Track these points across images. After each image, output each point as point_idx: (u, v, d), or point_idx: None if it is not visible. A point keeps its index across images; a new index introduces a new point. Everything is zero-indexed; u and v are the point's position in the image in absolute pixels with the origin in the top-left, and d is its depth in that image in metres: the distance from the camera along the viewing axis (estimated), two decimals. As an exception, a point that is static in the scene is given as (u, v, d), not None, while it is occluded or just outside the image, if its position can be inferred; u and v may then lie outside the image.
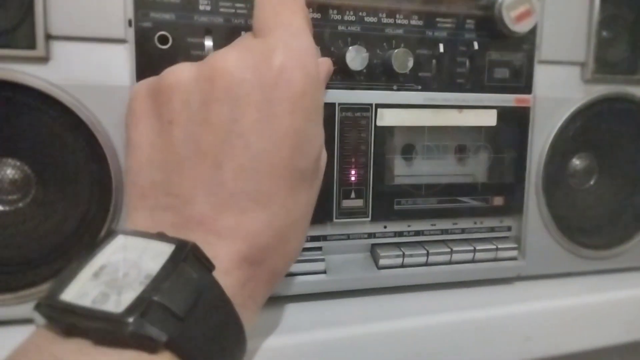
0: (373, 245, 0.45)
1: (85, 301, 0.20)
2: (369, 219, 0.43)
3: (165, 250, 0.22)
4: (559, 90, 0.47)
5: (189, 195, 0.25)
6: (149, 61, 0.36)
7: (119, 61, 0.36)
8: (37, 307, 0.21)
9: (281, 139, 0.26)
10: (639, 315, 0.49)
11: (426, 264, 0.45)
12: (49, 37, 0.35)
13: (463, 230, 0.47)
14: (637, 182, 0.51)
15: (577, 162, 0.50)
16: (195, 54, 0.37)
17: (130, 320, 0.19)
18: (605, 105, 0.48)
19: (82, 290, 0.21)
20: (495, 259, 0.47)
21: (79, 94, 0.35)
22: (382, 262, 0.43)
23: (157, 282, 0.21)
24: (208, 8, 0.37)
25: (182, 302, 0.21)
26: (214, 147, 0.25)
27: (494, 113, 0.45)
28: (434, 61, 0.43)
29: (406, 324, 0.41)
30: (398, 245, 0.45)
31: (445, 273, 0.45)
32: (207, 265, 0.23)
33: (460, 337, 0.42)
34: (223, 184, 0.25)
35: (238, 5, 0.38)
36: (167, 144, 0.26)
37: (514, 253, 0.47)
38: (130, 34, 0.36)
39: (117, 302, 0.20)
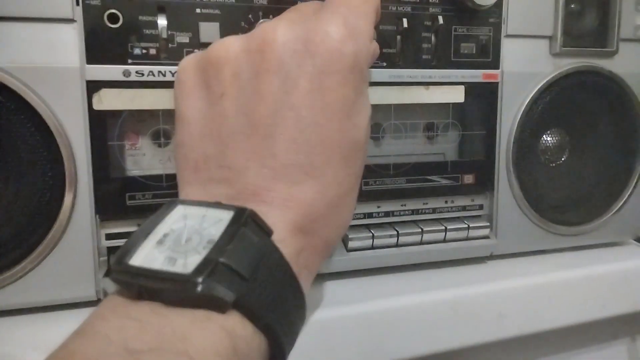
0: (342, 227, 0.44)
1: (154, 265, 0.21)
2: (337, 200, 0.42)
3: (224, 216, 0.23)
4: (527, 65, 0.46)
5: (242, 167, 0.26)
6: (99, 41, 0.35)
7: (68, 42, 0.35)
8: (108, 274, 0.22)
9: (332, 110, 0.26)
10: (613, 291, 0.49)
11: (397, 245, 0.44)
12: (-9, 17, 0.33)
13: (434, 210, 0.46)
14: (609, 157, 0.51)
15: (548, 138, 0.50)
16: (148, 33, 0.36)
17: (200, 279, 0.20)
18: (575, 79, 0.47)
19: (149, 256, 0.21)
20: (467, 238, 0.46)
21: (26, 77, 0.34)
22: (351, 244, 0.42)
23: (221, 246, 0.21)
24: (160, -16, 0.36)
25: (246, 264, 0.21)
26: (265, 119, 0.26)
27: (461, 89, 0.44)
28: (398, 37, 0.42)
29: (377, 306, 0.40)
30: (367, 226, 0.44)
31: (417, 254, 0.44)
32: (265, 231, 0.24)
33: (433, 318, 0.42)
34: (275, 155, 0.25)
35: (191, -19, 0.36)
36: (219, 117, 0.27)
37: (486, 232, 0.46)
38: (79, 12, 0.35)
39: (185, 265, 0.21)
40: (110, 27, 0.35)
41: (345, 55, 0.26)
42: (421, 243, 0.45)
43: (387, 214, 0.45)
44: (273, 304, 0.23)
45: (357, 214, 0.44)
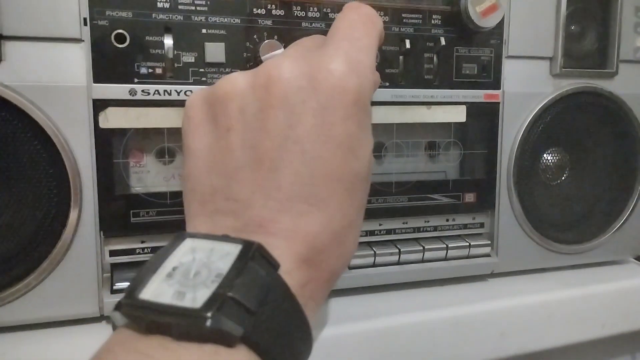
0: (344, 245, 0.44)
1: (163, 299, 0.21)
2: (339, 218, 0.42)
3: (232, 250, 0.23)
4: (528, 85, 0.46)
5: (248, 199, 0.26)
6: (106, 61, 0.35)
7: (75, 61, 0.35)
8: (118, 307, 0.22)
9: (336, 144, 0.26)
10: (613, 309, 0.49)
11: (398, 263, 0.44)
12: (1, 37, 0.34)
13: (435, 228, 0.46)
14: (609, 176, 0.51)
15: (548, 157, 0.50)
16: (154, 53, 0.36)
17: (209, 314, 0.20)
18: (575, 100, 0.48)
19: (158, 290, 0.22)
20: (468, 256, 0.46)
21: (34, 96, 0.34)
22: (353, 261, 0.43)
23: (229, 280, 0.22)
24: (167, 5, 0.36)
25: (254, 298, 0.22)
26: (270, 153, 0.26)
27: (463, 109, 0.44)
28: (400, 57, 0.42)
29: (379, 324, 0.41)
30: (369, 244, 0.44)
31: (418, 272, 0.45)
32: (272, 264, 0.24)
33: (434, 336, 0.42)
34: (280, 188, 0.26)
35: (198, 2, 0.37)
36: (225, 150, 0.27)
37: (487, 250, 0.47)
38: (86, 33, 0.35)
39: (194, 299, 0.21)
40: (117, 47, 0.35)
41: (348, 91, 0.26)
42: (422, 261, 0.45)
43: (388, 231, 0.45)
44: (280, 337, 0.23)
45: (358, 231, 0.44)
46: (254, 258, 0.23)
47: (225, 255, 0.23)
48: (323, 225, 0.26)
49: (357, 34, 0.29)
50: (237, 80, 0.28)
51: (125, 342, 0.21)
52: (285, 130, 0.26)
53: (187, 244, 0.24)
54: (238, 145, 0.27)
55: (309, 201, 0.26)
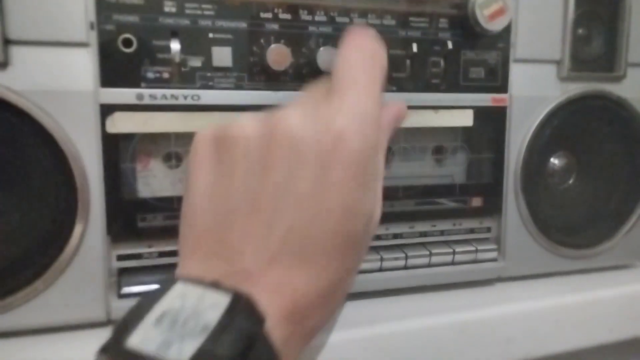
0: (350, 249, 0.44)
1: (150, 349, 0.21)
2: (346, 222, 0.42)
3: (221, 301, 0.23)
4: (536, 89, 0.46)
5: (240, 246, 0.26)
6: (113, 65, 0.35)
7: (82, 66, 0.35)
8: (104, 352, 0.22)
9: (333, 204, 0.26)
10: (621, 314, 0.49)
11: (405, 268, 0.44)
12: (7, 41, 0.34)
13: (442, 232, 0.46)
14: (616, 180, 0.51)
15: (555, 161, 0.50)
16: (161, 57, 0.36)
17: None
18: (582, 103, 0.47)
19: (145, 337, 0.21)
20: (475, 261, 0.46)
21: (41, 100, 0.34)
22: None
23: (217, 334, 0.21)
24: (173, 9, 0.36)
25: (239, 355, 0.21)
26: (267, 204, 0.26)
27: (470, 113, 0.44)
28: (407, 61, 0.42)
29: (385, 329, 0.40)
30: (376, 248, 0.44)
31: (425, 276, 0.44)
32: (259, 320, 0.24)
33: (441, 341, 0.42)
34: (273, 241, 0.26)
35: (205, 6, 0.37)
36: (225, 193, 0.27)
37: (493, 254, 0.46)
38: (93, 37, 0.35)
39: (180, 351, 0.21)
40: (124, 52, 0.35)
41: (351, 150, 0.26)
42: (429, 265, 0.45)
43: (395, 236, 0.45)
44: None
45: (365, 235, 0.44)
46: (242, 312, 0.22)
47: (214, 306, 0.22)
48: (310, 282, 0.26)
49: (361, 80, 0.28)
50: (247, 126, 0.28)
51: None
52: (285, 183, 0.26)
53: (178, 288, 0.23)
54: (237, 189, 0.27)
55: (300, 257, 0.26)
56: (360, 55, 0.29)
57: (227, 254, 0.26)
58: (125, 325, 0.22)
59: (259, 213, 0.26)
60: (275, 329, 0.24)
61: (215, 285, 0.24)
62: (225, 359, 0.21)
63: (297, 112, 0.27)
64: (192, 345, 0.21)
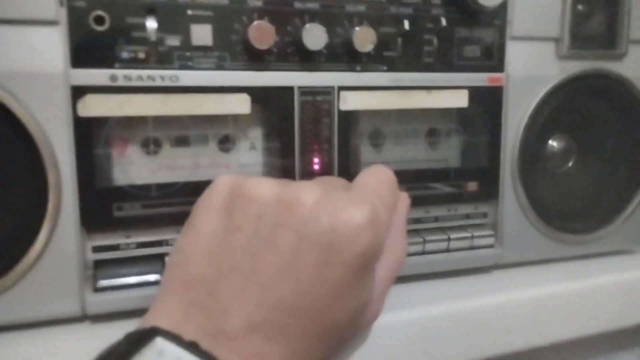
0: (341, 237, 0.42)
1: None
2: (336, 209, 0.40)
3: None
4: (533, 68, 0.44)
5: (228, 304, 0.26)
6: (85, 44, 0.33)
7: (51, 45, 0.33)
8: None
9: (327, 286, 0.26)
10: (622, 301, 0.47)
11: (398, 256, 0.42)
12: (-30, 20, 0.31)
13: (436, 219, 0.44)
14: (617, 163, 0.49)
15: (554, 143, 0.48)
16: (136, 36, 0.34)
17: None
18: (582, 83, 0.45)
19: None
20: (471, 248, 0.44)
21: (7, 82, 0.32)
22: (350, 255, 0.41)
23: None
24: (149, -15, 0.34)
25: None
26: (267, 269, 0.26)
27: (465, 93, 0.42)
28: (399, 39, 0.40)
29: (379, 319, 0.39)
30: (367, 236, 0.42)
31: (419, 264, 0.43)
32: None
33: (436, 331, 0.40)
34: (261, 306, 0.26)
35: (182, -19, 0.34)
36: (228, 246, 0.27)
37: (490, 240, 0.45)
38: (63, 14, 0.33)
39: None
40: (97, 30, 0.33)
41: (360, 245, 0.26)
42: (423, 253, 0.43)
43: (387, 223, 0.43)
44: None
45: (356, 223, 0.42)
46: None
47: None
48: (286, 357, 0.26)
49: (384, 191, 0.30)
50: (267, 188, 0.28)
51: None
52: (290, 254, 0.26)
53: (157, 345, 0.23)
54: (242, 247, 0.27)
55: (282, 330, 0.26)
56: (386, 177, 0.31)
57: (212, 309, 0.26)
58: None
59: (256, 275, 0.26)
60: None
61: (193, 347, 0.24)
62: None
63: (319, 189, 0.28)
64: None
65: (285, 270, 0.26)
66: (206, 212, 0.29)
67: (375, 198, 0.29)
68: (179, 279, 0.28)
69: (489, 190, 0.45)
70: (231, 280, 0.26)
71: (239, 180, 0.29)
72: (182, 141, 0.38)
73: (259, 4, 0.36)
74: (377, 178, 0.31)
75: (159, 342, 0.23)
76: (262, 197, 0.27)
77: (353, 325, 0.29)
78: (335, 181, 0.34)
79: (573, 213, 0.49)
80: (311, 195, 0.27)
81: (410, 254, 0.42)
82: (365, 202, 0.27)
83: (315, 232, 0.26)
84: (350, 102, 0.39)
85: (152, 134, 0.37)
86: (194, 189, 0.32)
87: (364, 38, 0.38)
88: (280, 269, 0.26)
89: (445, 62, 0.41)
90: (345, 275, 0.26)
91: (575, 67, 0.45)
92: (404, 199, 0.34)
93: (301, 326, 0.26)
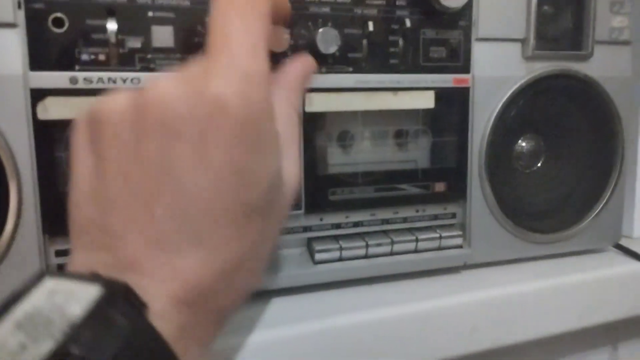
0: (309, 239, 0.42)
1: (2, 354, 0.19)
2: (303, 211, 0.41)
3: (93, 293, 0.21)
4: (499, 69, 0.45)
5: (121, 234, 0.24)
6: (43, 47, 0.33)
7: (9, 48, 0.33)
8: None
9: (217, 175, 0.24)
10: (591, 300, 0.48)
11: (366, 257, 0.42)
12: None
13: (405, 219, 0.44)
14: (585, 162, 0.50)
15: (522, 143, 0.48)
16: (96, 38, 0.34)
17: None
18: (548, 83, 0.46)
19: (3, 341, 0.19)
20: (439, 248, 0.44)
21: (-36, 86, 0.32)
22: (318, 256, 0.41)
23: (78, 331, 0.19)
24: (109, -13, 0.34)
25: (106, 352, 0.19)
26: (143, 186, 0.24)
27: (431, 95, 0.42)
28: (364, 41, 0.40)
29: (346, 320, 0.39)
30: (336, 237, 0.42)
31: (387, 265, 0.43)
32: (139, 307, 0.22)
33: (404, 331, 0.40)
34: (154, 223, 0.24)
35: (143, -17, 0.34)
36: (100, 179, 0.25)
37: (459, 241, 0.45)
38: (21, 16, 0.33)
39: (33, 356, 0.19)
40: (56, 32, 0.33)
41: (231, 115, 0.23)
42: (392, 254, 0.43)
43: (356, 224, 0.43)
44: None
45: (324, 224, 0.42)
46: (115, 303, 0.21)
47: (85, 299, 0.20)
48: (204, 264, 0.24)
49: (237, 34, 0.25)
50: (116, 102, 0.25)
51: None
52: (160, 161, 0.24)
53: (46, 285, 0.21)
54: (111, 174, 0.25)
55: (187, 238, 0.24)
56: (233, 8, 0.26)
57: (109, 243, 0.24)
58: None
59: (136, 196, 0.24)
60: (166, 316, 0.22)
61: (90, 277, 0.22)
62: (87, 357, 0.19)
63: (170, 81, 0.24)
64: (46, 347, 0.19)
65: (162, 179, 0.24)
66: (75, 155, 0.27)
67: (228, 54, 0.25)
68: (73, 230, 0.26)
69: (457, 191, 0.45)
70: (115, 211, 0.24)
71: (93, 107, 0.26)
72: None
73: (222, 5, 0.36)
74: (224, 19, 0.26)
75: (48, 282, 0.21)
76: (112, 113, 0.25)
77: (273, 200, 0.27)
78: (193, 63, 0.28)
79: (542, 213, 0.49)
80: (162, 91, 0.24)
81: (378, 255, 0.43)
82: (217, 66, 0.24)
83: (177, 128, 0.23)
84: (316, 103, 0.39)
85: (114, 136, 0.37)
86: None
87: (329, 40, 0.38)
88: (156, 180, 0.24)
89: (411, 63, 0.42)
90: (237, 153, 0.24)
91: (541, 67, 0.45)
92: (300, 64, 0.31)
93: (209, 227, 0.24)
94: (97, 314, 0.20)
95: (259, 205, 0.25)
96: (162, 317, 0.22)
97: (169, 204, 0.23)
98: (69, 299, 0.20)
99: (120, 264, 0.23)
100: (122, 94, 0.26)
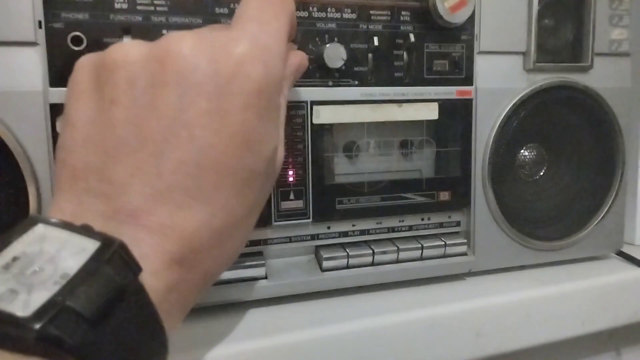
0: (317, 247, 0.43)
1: None
2: (310, 220, 0.42)
3: (88, 247, 0.20)
4: (501, 81, 0.46)
5: (124, 183, 0.24)
6: (63, 64, 0.34)
7: (30, 65, 0.34)
8: None
9: (229, 135, 0.24)
10: (594, 306, 0.48)
11: (372, 264, 0.43)
12: (-49, 42, 0.33)
13: (410, 228, 0.45)
14: (587, 171, 0.50)
15: (525, 153, 0.49)
16: (113, 55, 0.35)
17: (37, 326, 0.18)
18: (549, 94, 0.47)
19: None
20: (444, 256, 0.45)
21: (-12, 101, 0.33)
22: (325, 264, 0.42)
23: (74, 285, 0.19)
24: (125, 6, 0.35)
25: (98, 308, 0.19)
26: (155, 135, 0.24)
27: (435, 106, 0.44)
28: (369, 55, 0.41)
29: (353, 326, 0.40)
30: (342, 245, 0.43)
31: (393, 272, 0.44)
32: (133, 268, 0.21)
33: (409, 338, 0.41)
34: (161, 175, 0.23)
35: (157, 2, 0.36)
36: (106, 125, 0.25)
37: (463, 248, 0.46)
38: (41, 36, 0.34)
39: (26, 303, 0.18)
40: (74, 50, 0.34)
41: (251, 78, 0.24)
42: (397, 261, 0.44)
43: (362, 232, 0.44)
44: (123, 353, 0.20)
45: (331, 232, 0.43)
46: (110, 260, 0.20)
47: (79, 252, 0.20)
48: (203, 222, 0.24)
49: (265, 17, 0.27)
50: (132, 49, 0.25)
51: None
52: (175, 112, 0.24)
53: (38, 230, 0.21)
54: (121, 121, 0.24)
55: (191, 194, 0.24)
56: (264, 1, 0.28)
57: (108, 192, 0.24)
58: None
59: (145, 146, 0.24)
60: (157, 274, 0.22)
61: (84, 229, 0.21)
62: (83, 312, 0.19)
63: (190, 36, 0.25)
64: (41, 298, 0.18)
65: (175, 130, 0.24)
66: (75, 99, 0.26)
67: (256, 26, 0.26)
68: (66, 175, 0.25)
69: (461, 200, 0.46)
70: (120, 159, 0.24)
71: (99, 54, 0.26)
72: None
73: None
74: (256, 2, 0.28)
75: (40, 228, 0.21)
76: (128, 60, 0.25)
77: (268, 173, 0.27)
78: (213, 25, 0.30)
79: (545, 220, 0.50)
80: (183, 44, 0.24)
81: (384, 263, 0.44)
82: (244, 34, 0.25)
83: (197, 81, 0.24)
84: (322, 115, 0.41)
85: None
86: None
87: (335, 54, 0.39)
88: (169, 130, 0.24)
89: (415, 76, 0.43)
90: (248, 118, 0.24)
91: (542, 79, 0.47)
92: (299, 56, 0.32)
93: (214, 185, 0.24)
94: (92, 270, 0.20)
95: (259, 173, 0.26)
96: (154, 274, 0.22)
97: (179, 158, 0.23)
98: (62, 250, 0.20)
99: (118, 214, 0.23)
100: (135, 43, 0.25)
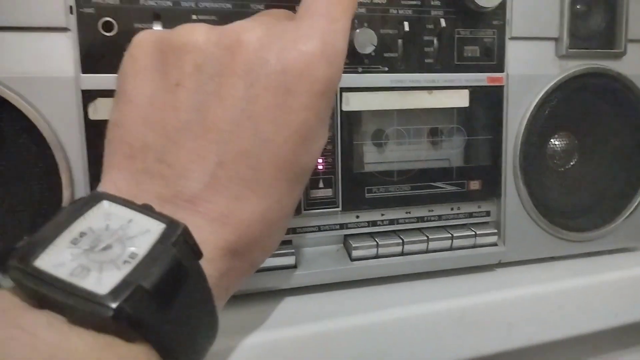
0: (346, 236, 0.43)
1: (62, 272, 0.19)
2: (340, 208, 0.41)
3: (153, 228, 0.21)
4: (533, 68, 0.45)
5: (184, 168, 0.24)
6: (94, 50, 0.34)
7: (62, 51, 0.34)
8: (7, 270, 0.19)
9: (291, 132, 0.24)
10: (626, 298, 0.47)
11: (402, 254, 0.43)
12: (-16, 28, 0.33)
13: (440, 217, 0.45)
14: (619, 160, 0.49)
15: (556, 142, 0.48)
16: (143, 41, 0.35)
17: (114, 305, 0.18)
18: (582, 81, 0.46)
19: (59, 258, 0.19)
20: (474, 246, 0.45)
21: (20, 88, 0.33)
22: (355, 253, 0.41)
23: (145, 266, 0.19)
24: (155, -9, 0.35)
25: (168, 291, 0.20)
26: (220, 123, 0.24)
27: (465, 93, 0.43)
28: (399, 41, 0.41)
29: (382, 316, 0.39)
30: (372, 235, 0.43)
31: (422, 262, 0.43)
32: (195, 253, 0.22)
33: (440, 328, 0.41)
34: (222, 164, 0.23)
35: (187, -13, 0.36)
36: (170, 107, 0.24)
37: (493, 239, 0.45)
38: (72, 21, 0.34)
39: (99, 281, 0.18)
40: (106, 36, 0.34)
41: (318, 80, 0.24)
42: (427, 251, 0.43)
43: (391, 221, 0.44)
44: (184, 335, 0.21)
45: (360, 222, 0.43)
46: (176, 243, 0.20)
47: (145, 233, 0.20)
48: (259, 214, 0.24)
49: (335, 13, 0.26)
50: (202, 33, 0.25)
51: (7, 311, 0.18)
52: (242, 103, 0.23)
53: (103, 207, 0.21)
54: (186, 105, 0.24)
55: (250, 186, 0.24)
56: None
57: (167, 174, 0.24)
58: (35, 243, 0.19)
59: (209, 132, 0.24)
60: (213, 262, 0.23)
61: (147, 209, 0.21)
62: (153, 293, 0.19)
63: (260, 27, 0.25)
64: (114, 276, 0.19)
65: (240, 121, 0.23)
66: (134, 76, 0.26)
67: (325, 23, 0.25)
68: (122, 153, 0.25)
69: (492, 189, 0.45)
70: (181, 143, 0.24)
71: (162, 31, 0.26)
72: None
73: (262, 7, 0.37)
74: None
75: (106, 205, 0.21)
76: (197, 44, 0.25)
77: (310, 172, 0.27)
78: (277, 13, 0.30)
79: (576, 211, 0.49)
80: (253, 36, 0.24)
81: (414, 253, 0.43)
82: (314, 32, 0.25)
83: (265, 76, 0.24)
84: (352, 103, 0.40)
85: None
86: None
87: (365, 40, 0.39)
88: (234, 120, 0.23)
89: (446, 62, 0.42)
90: (309, 117, 0.24)
91: (575, 66, 0.46)
92: None
93: (271, 179, 0.24)
94: (160, 252, 0.20)
95: (307, 172, 0.26)
96: (210, 261, 0.22)
97: (241, 149, 0.23)
98: (127, 229, 0.20)
99: (176, 199, 0.23)
100: (204, 26, 0.25)
